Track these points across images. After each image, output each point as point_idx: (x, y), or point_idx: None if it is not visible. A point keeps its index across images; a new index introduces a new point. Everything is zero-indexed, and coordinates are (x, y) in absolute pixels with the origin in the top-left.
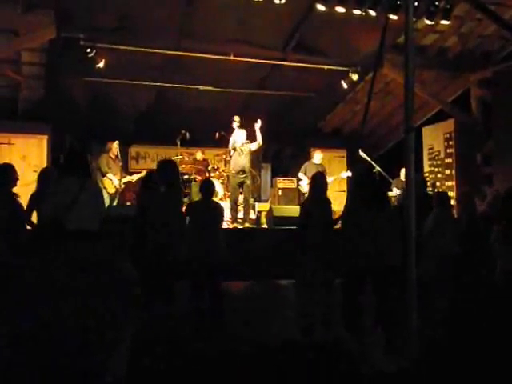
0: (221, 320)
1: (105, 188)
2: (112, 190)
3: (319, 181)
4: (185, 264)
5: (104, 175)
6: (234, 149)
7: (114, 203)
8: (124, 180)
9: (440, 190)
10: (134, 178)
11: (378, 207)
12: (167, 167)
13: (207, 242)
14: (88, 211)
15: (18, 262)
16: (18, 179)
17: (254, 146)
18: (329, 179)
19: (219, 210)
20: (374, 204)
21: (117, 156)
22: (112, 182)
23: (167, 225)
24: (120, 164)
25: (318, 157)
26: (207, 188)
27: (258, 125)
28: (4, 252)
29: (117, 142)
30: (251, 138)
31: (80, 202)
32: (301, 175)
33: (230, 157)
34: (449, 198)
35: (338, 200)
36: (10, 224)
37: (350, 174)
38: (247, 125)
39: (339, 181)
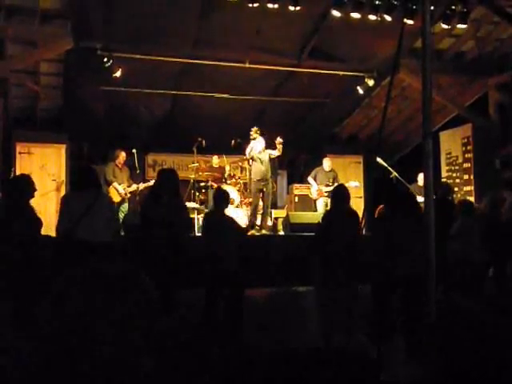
0: (238, 328)
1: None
2: (117, 199)
3: (339, 193)
4: (199, 272)
5: (109, 184)
6: (253, 158)
7: (120, 213)
8: (130, 189)
9: (462, 198)
10: (140, 186)
11: (406, 214)
12: (171, 176)
13: (221, 250)
14: (102, 221)
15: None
16: (35, 190)
17: (273, 153)
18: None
19: (231, 219)
20: (401, 211)
21: (124, 164)
22: (117, 191)
23: (172, 232)
24: (137, 171)
25: (326, 164)
26: (219, 197)
27: (278, 141)
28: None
29: (123, 151)
30: (271, 146)
31: (93, 213)
32: (310, 180)
33: (250, 166)
34: (473, 206)
35: (354, 206)
36: (26, 234)
37: (357, 184)
38: (264, 131)
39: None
